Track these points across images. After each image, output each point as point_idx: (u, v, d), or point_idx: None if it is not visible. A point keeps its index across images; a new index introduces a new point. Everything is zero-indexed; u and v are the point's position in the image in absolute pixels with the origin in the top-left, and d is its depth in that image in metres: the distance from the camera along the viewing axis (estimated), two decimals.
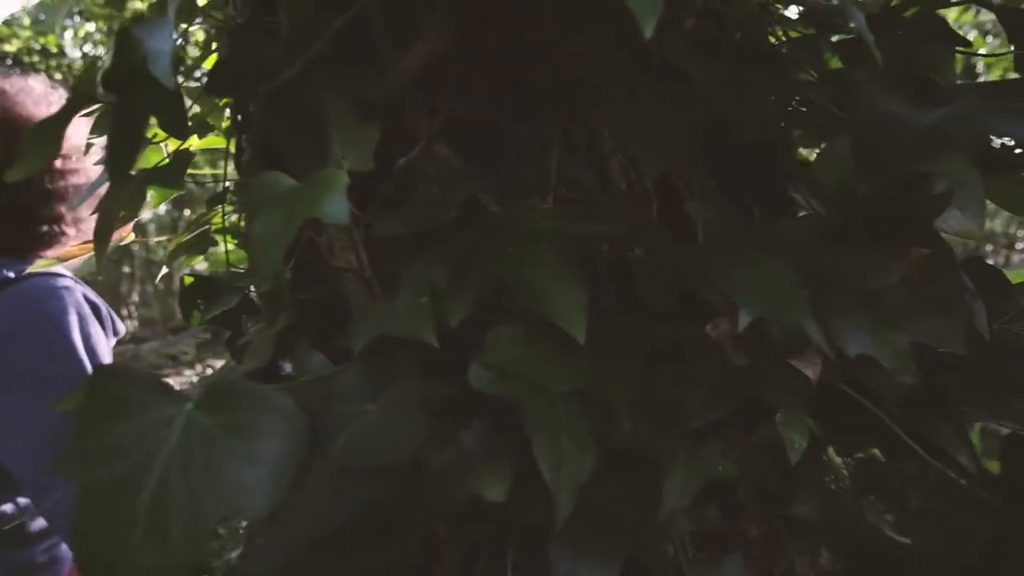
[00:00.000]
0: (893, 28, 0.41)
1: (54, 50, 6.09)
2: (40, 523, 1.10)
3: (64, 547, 1.16)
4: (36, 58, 6.03)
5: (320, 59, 0.43)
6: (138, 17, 0.38)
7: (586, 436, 0.33)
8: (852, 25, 0.46)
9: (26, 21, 6.12)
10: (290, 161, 0.45)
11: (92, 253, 0.65)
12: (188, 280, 0.63)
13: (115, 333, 1.16)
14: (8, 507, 1.04)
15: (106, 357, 1.08)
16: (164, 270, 0.73)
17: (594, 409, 0.36)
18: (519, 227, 0.37)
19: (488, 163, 0.47)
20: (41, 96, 1.19)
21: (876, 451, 0.54)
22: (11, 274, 1.05)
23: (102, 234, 0.48)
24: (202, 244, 0.73)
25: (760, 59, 0.40)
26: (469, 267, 0.36)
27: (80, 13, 6.01)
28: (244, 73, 0.44)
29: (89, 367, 1.05)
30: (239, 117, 0.60)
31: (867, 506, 0.52)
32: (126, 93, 0.39)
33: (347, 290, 0.50)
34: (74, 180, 1.19)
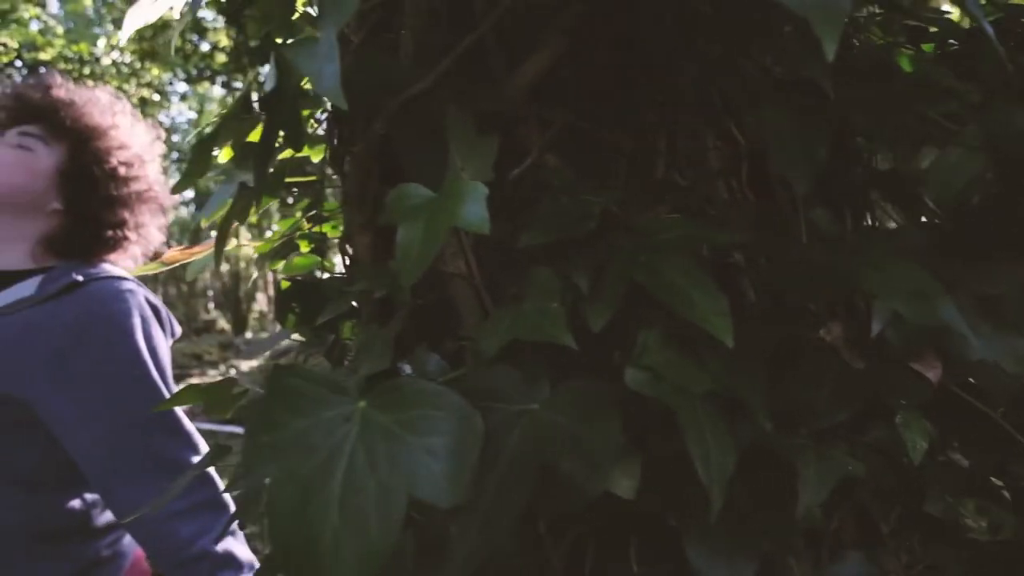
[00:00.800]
0: (1005, 40, 0.42)
1: (87, 57, 6.25)
2: (106, 517, 1.13)
3: (126, 541, 1.20)
4: (70, 66, 6.19)
5: (442, 75, 0.45)
6: (296, 40, 0.41)
7: (725, 435, 0.35)
8: (949, 38, 0.47)
9: (59, 30, 6.30)
10: (410, 172, 0.47)
11: (197, 256, 0.68)
12: (285, 285, 0.65)
13: (172, 335, 1.19)
14: (76, 502, 1.08)
15: (165, 358, 1.11)
16: (255, 274, 0.75)
17: (724, 410, 0.37)
18: (649, 235, 0.39)
19: (596, 173, 0.49)
20: (107, 107, 1.23)
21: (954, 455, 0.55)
22: (80, 277, 1.09)
23: (222, 236, 0.51)
24: (285, 250, 0.76)
25: (879, 71, 0.42)
26: (606, 273, 0.38)
27: (113, 22, 6.17)
28: (368, 88, 0.46)
29: (152, 367, 1.08)
30: (335, 130, 0.63)
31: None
32: (273, 110, 0.41)
33: (455, 295, 0.52)
34: (135, 187, 1.23)
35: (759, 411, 0.36)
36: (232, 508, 1.12)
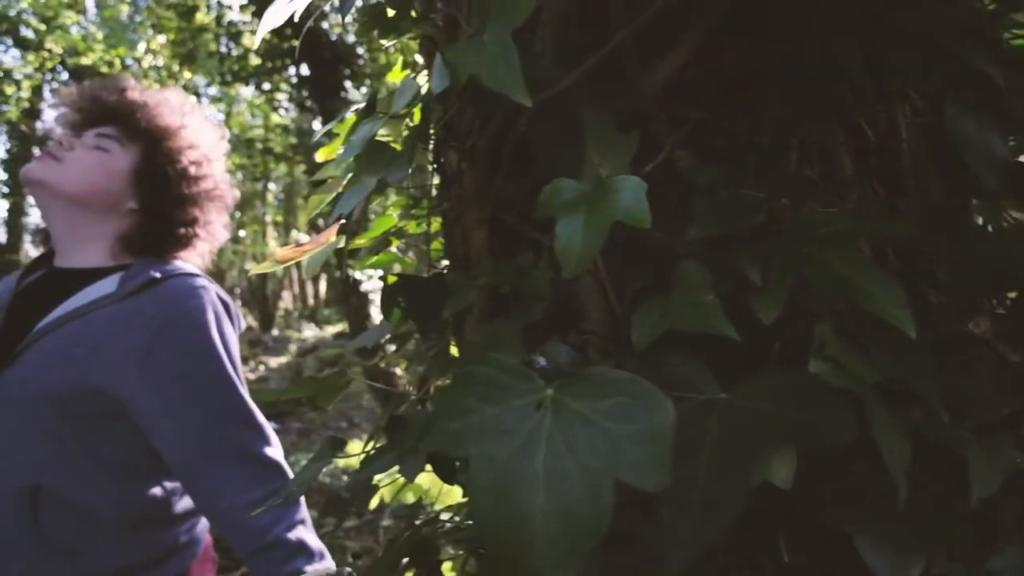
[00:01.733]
0: None
1: (129, 61, 6.41)
2: (183, 505, 1.17)
3: (200, 528, 1.24)
4: (112, 70, 6.35)
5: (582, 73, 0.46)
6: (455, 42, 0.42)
7: (898, 427, 0.35)
8: None
9: (99, 35, 6.49)
10: (547, 168, 0.48)
11: (310, 253, 0.70)
12: (392, 279, 0.67)
13: (238, 328, 1.23)
14: (157, 490, 1.12)
15: (236, 351, 1.15)
16: (357, 274, 0.77)
17: (887, 402, 0.37)
18: (811, 229, 0.40)
19: (726, 168, 0.49)
20: (177, 107, 1.26)
21: None
22: (157, 274, 1.13)
23: (343, 232, 0.53)
24: (379, 246, 0.78)
25: None
26: (770, 267, 0.39)
27: (153, 26, 6.31)
28: None
29: (226, 361, 1.12)
30: (444, 127, 0.64)
31: None
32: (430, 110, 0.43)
33: (580, 289, 0.53)
34: (204, 186, 1.27)
35: (935, 402, 0.36)
36: (303, 499, 1.15)
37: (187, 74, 6.65)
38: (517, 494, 0.31)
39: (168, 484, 1.12)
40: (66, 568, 1.00)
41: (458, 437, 0.34)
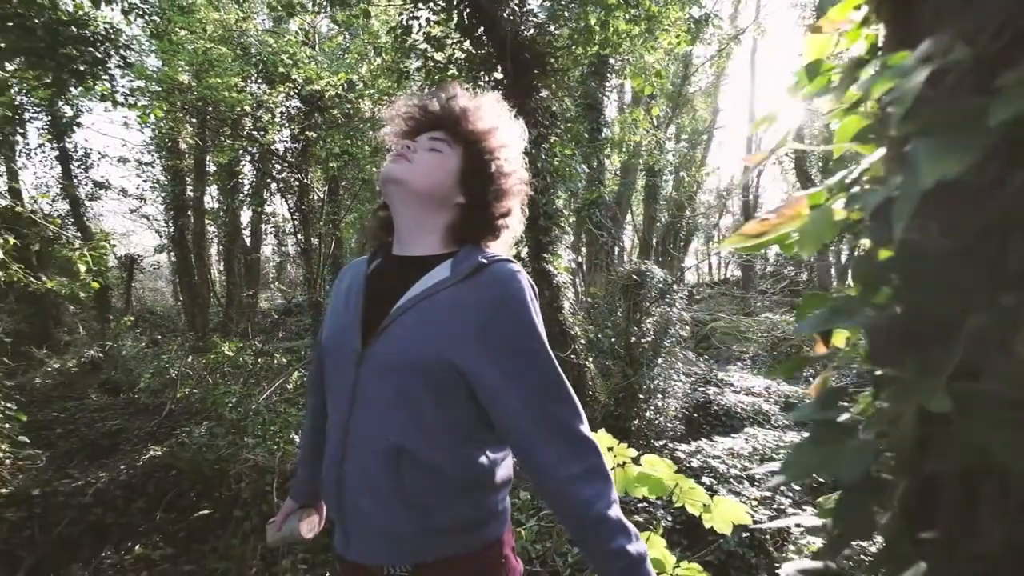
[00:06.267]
0: None
1: (355, 83, 7.32)
2: (501, 475, 1.24)
3: (508, 500, 1.32)
4: (339, 91, 7.33)
5: None
6: None
7: None
8: None
9: (325, 64, 7.55)
10: None
11: (785, 228, 0.68)
12: (886, 254, 0.60)
13: None
14: (484, 459, 1.20)
15: (543, 328, 1.20)
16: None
17: None
18: None
19: None
20: (490, 110, 1.35)
21: None
22: (484, 260, 1.22)
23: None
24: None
25: None
26: None
27: (374, 49, 7.12)
28: None
29: (544, 338, 1.17)
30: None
31: None
32: None
33: None
34: (512, 180, 1.35)
35: None
36: (612, 477, 1.17)
37: (400, 89, 7.20)
38: None
39: (491, 454, 1.21)
40: (420, 519, 1.12)
41: None
